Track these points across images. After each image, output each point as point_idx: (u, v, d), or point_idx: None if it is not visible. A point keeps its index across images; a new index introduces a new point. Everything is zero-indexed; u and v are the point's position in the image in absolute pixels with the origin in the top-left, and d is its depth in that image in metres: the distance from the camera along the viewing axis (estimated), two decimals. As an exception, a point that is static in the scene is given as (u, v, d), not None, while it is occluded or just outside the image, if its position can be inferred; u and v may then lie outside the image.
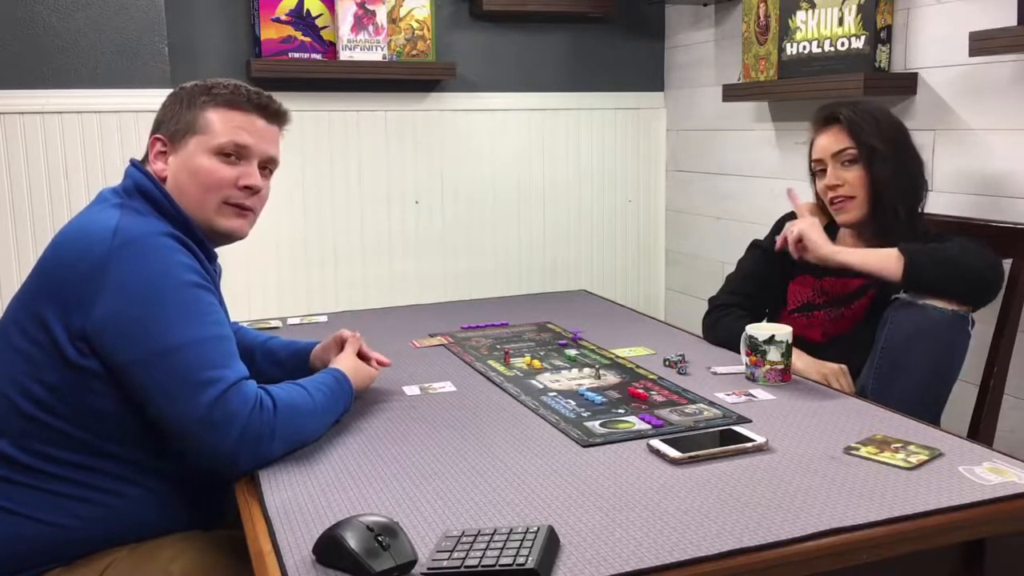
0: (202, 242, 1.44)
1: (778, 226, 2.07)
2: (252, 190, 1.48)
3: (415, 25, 2.98)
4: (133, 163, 1.48)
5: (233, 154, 1.45)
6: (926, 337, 1.65)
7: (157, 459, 1.37)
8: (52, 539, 1.32)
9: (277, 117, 1.51)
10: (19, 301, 1.38)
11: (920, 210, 1.89)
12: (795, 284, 1.99)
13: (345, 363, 1.56)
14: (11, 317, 1.37)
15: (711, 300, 2.07)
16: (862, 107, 1.87)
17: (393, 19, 2.95)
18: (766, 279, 2.03)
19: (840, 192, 1.87)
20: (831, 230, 2.01)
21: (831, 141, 1.87)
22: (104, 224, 1.34)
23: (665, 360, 1.81)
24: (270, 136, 1.50)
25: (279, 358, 1.71)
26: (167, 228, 1.37)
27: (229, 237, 1.49)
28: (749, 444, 1.33)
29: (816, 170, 1.93)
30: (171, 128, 1.45)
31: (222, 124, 1.44)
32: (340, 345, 1.67)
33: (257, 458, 1.31)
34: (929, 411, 1.66)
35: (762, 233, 2.11)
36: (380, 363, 1.67)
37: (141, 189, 1.42)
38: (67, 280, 1.31)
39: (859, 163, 1.84)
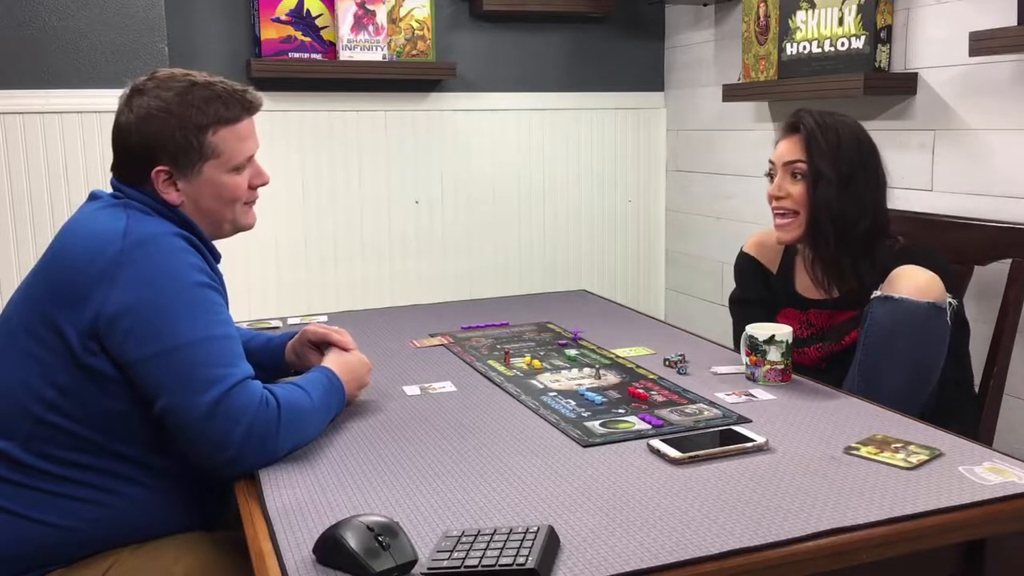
0: (208, 244, 1.47)
1: (737, 268, 2.04)
2: (264, 184, 1.53)
3: (415, 25, 2.98)
4: (130, 187, 1.43)
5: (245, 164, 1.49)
6: (905, 329, 1.64)
7: (162, 459, 1.37)
8: (55, 541, 1.32)
9: (258, 108, 1.51)
10: (24, 304, 1.38)
11: (873, 242, 1.79)
12: (781, 317, 1.93)
13: (335, 361, 1.56)
14: (17, 321, 1.37)
15: None
16: (830, 123, 1.79)
17: (393, 19, 2.95)
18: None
19: (782, 204, 1.82)
20: (790, 253, 1.97)
21: (786, 149, 1.83)
22: (113, 225, 1.35)
23: (665, 360, 1.81)
24: (254, 127, 1.51)
25: (257, 358, 1.70)
26: (176, 229, 1.39)
27: (246, 229, 1.55)
28: (749, 444, 1.33)
29: (769, 173, 1.88)
30: (172, 157, 1.41)
31: (230, 144, 1.44)
32: (311, 344, 1.67)
33: (263, 455, 1.32)
34: (914, 403, 1.65)
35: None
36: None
37: (150, 205, 1.42)
38: (77, 281, 1.31)
39: (805, 180, 1.79)
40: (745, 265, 2.03)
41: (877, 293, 1.70)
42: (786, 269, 1.98)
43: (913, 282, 1.66)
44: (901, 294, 1.65)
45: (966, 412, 1.79)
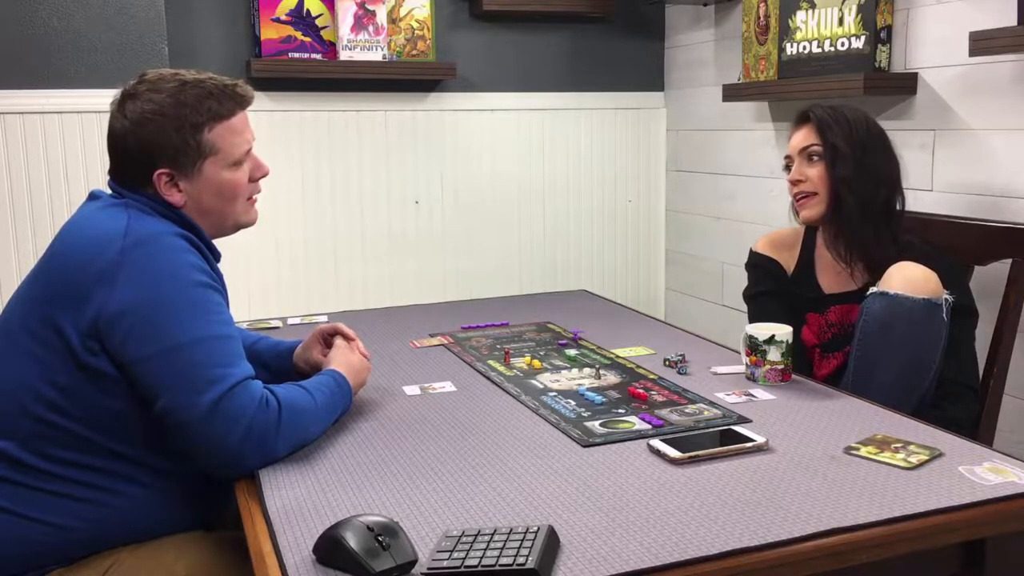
0: (209, 243, 1.47)
1: (750, 265, 2.04)
2: (265, 176, 1.53)
3: (415, 25, 2.98)
4: (130, 190, 1.43)
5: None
6: (899, 325, 1.64)
7: (162, 458, 1.37)
8: (55, 540, 1.32)
9: (250, 100, 1.51)
10: (25, 304, 1.38)
11: (892, 215, 1.85)
12: (805, 329, 1.92)
13: (340, 363, 1.56)
14: (18, 321, 1.37)
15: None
16: (840, 110, 1.87)
17: (393, 19, 2.95)
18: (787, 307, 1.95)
19: (802, 188, 1.88)
20: (810, 239, 1.99)
21: (800, 138, 1.90)
22: (113, 225, 1.35)
23: (665, 360, 1.81)
24: (248, 121, 1.51)
25: (265, 360, 1.71)
26: (176, 229, 1.39)
27: (249, 226, 1.55)
28: (749, 444, 1.34)
29: (786, 166, 1.94)
30: (172, 158, 1.41)
31: (227, 140, 1.44)
32: (322, 340, 1.68)
33: (262, 456, 1.32)
34: (908, 401, 1.65)
35: (760, 232, 2.10)
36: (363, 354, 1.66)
37: (150, 205, 1.42)
38: (78, 281, 1.31)
39: (823, 160, 1.85)
40: (760, 261, 2.02)
41: (873, 289, 1.70)
42: (804, 267, 1.98)
43: (909, 278, 1.66)
44: (896, 290, 1.65)
45: (963, 404, 1.76)
